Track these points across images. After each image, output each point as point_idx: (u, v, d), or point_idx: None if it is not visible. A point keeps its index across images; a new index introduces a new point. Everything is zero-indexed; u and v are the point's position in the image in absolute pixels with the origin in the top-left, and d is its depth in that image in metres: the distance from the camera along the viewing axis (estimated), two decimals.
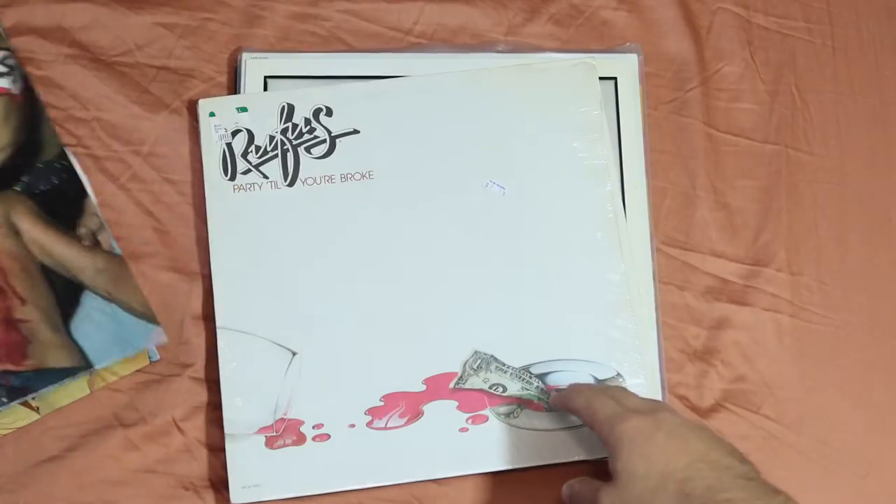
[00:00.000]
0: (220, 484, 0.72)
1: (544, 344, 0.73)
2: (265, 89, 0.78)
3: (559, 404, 0.71)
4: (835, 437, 0.76)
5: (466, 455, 0.72)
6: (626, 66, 0.80)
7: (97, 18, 0.80)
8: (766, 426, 0.76)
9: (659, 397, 0.74)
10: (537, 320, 0.74)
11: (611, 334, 0.74)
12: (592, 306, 0.74)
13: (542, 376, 0.73)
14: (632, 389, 0.70)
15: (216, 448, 0.72)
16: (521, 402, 0.73)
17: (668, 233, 0.79)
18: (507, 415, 0.72)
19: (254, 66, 0.78)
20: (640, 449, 0.60)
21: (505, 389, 0.73)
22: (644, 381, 0.73)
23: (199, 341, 0.75)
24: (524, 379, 0.73)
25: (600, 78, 0.79)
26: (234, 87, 0.79)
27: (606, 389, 0.69)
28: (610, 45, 0.82)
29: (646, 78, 0.81)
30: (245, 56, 0.78)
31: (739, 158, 0.81)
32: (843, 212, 0.81)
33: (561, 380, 0.73)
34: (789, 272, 0.79)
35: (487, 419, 0.72)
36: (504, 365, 0.73)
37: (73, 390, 0.72)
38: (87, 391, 0.73)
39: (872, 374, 0.78)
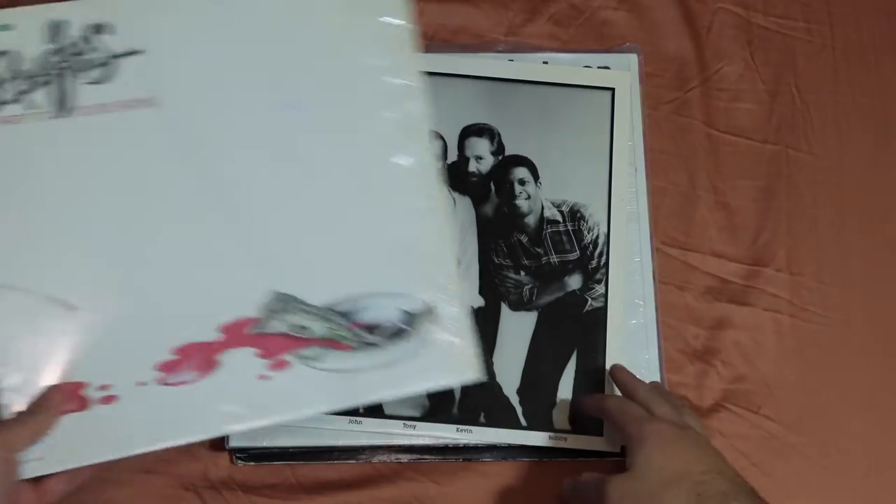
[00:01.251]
0: (221, 484, 0.72)
1: (348, 280, 0.66)
2: None
3: (592, 408, 0.71)
4: (835, 437, 0.76)
5: (268, 404, 0.65)
6: (622, 80, 0.79)
7: None
8: (766, 426, 0.76)
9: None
10: (339, 255, 0.67)
11: (419, 265, 0.67)
12: (398, 237, 0.67)
13: (347, 314, 0.66)
14: (445, 321, 0.66)
15: (217, 448, 0.73)
16: (328, 344, 0.66)
17: (668, 233, 0.79)
18: (313, 358, 0.66)
19: None
20: (664, 447, 0.64)
21: (309, 331, 0.67)
22: (459, 311, 0.66)
23: None
24: (329, 318, 0.67)
25: (598, 88, 0.78)
26: None
27: (641, 391, 0.69)
28: (610, 45, 0.82)
29: (646, 78, 0.81)
30: None
31: (739, 158, 0.81)
32: (843, 212, 0.81)
33: (368, 317, 0.67)
34: (789, 272, 0.79)
35: (290, 364, 0.65)
36: (307, 305, 0.67)
37: None
38: None
39: (872, 374, 0.78)
